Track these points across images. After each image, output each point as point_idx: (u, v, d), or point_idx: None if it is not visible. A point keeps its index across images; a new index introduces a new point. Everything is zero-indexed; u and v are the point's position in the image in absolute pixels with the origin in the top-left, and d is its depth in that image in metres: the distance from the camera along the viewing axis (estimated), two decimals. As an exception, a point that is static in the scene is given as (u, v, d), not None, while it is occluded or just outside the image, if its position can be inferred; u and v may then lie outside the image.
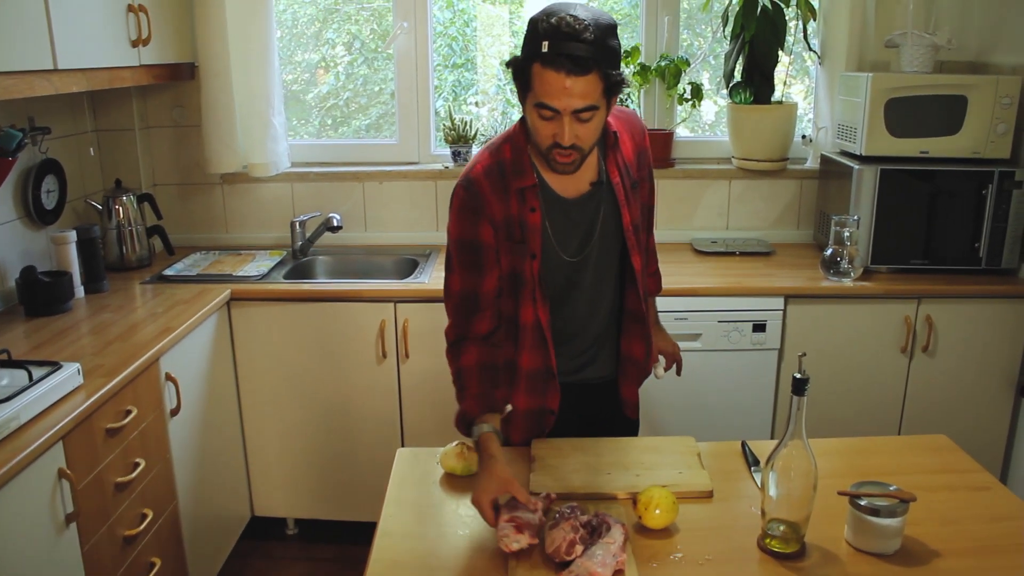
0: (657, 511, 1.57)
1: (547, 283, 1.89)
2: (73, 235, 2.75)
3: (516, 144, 1.85)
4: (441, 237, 3.36)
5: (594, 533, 1.51)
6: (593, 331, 2.02)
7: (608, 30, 1.67)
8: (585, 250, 1.91)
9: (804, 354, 1.50)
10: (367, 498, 2.99)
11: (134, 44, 2.74)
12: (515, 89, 1.76)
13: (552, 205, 1.86)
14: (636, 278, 1.96)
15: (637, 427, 2.22)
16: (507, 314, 1.93)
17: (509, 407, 1.89)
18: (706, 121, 3.66)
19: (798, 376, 1.43)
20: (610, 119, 1.89)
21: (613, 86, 1.68)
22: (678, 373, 2.29)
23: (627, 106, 3.26)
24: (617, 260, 1.97)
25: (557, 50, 1.61)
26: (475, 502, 1.60)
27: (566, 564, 1.45)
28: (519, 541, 1.48)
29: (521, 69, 1.71)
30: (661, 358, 2.24)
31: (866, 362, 2.88)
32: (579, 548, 1.47)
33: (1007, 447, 2.96)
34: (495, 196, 1.82)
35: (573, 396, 2.03)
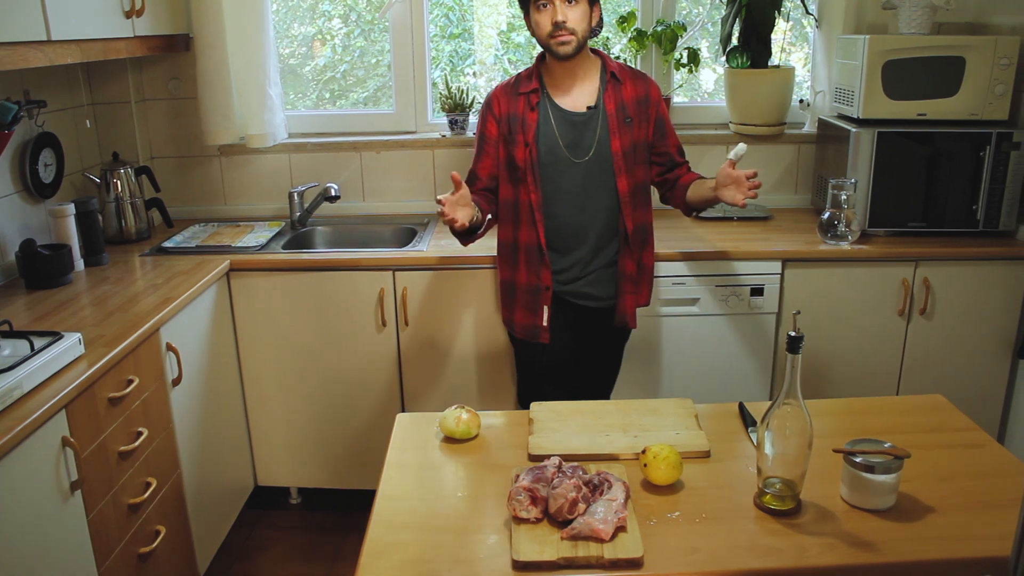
0: (663, 467, 1.59)
1: (547, 170, 2.42)
2: (72, 208, 2.75)
3: (531, 68, 2.51)
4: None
5: (596, 491, 1.53)
6: (590, 244, 2.48)
7: None
8: (587, 154, 2.42)
9: (798, 312, 1.51)
10: (369, 466, 3.02)
11: (127, 15, 2.72)
12: (521, 13, 2.44)
13: (557, 113, 2.43)
14: (628, 203, 2.44)
15: (627, 336, 2.73)
16: (507, 198, 2.49)
17: (489, 216, 2.50)
18: (705, 90, 3.64)
19: (793, 334, 1.44)
20: (618, 71, 2.46)
21: None
22: (749, 187, 2.27)
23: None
24: (612, 183, 2.45)
25: None
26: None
27: (568, 522, 1.47)
28: (528, 512, 1.50)
29: None
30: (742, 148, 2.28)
31: (864, 325, 2.89)
32: (581, 507, 1.49)
33: (1004, 409, 2.98)
34: (504, 98, 2.48)
35: (570, 315, 2.55)
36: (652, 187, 2.59)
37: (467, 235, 2.45)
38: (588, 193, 2.44)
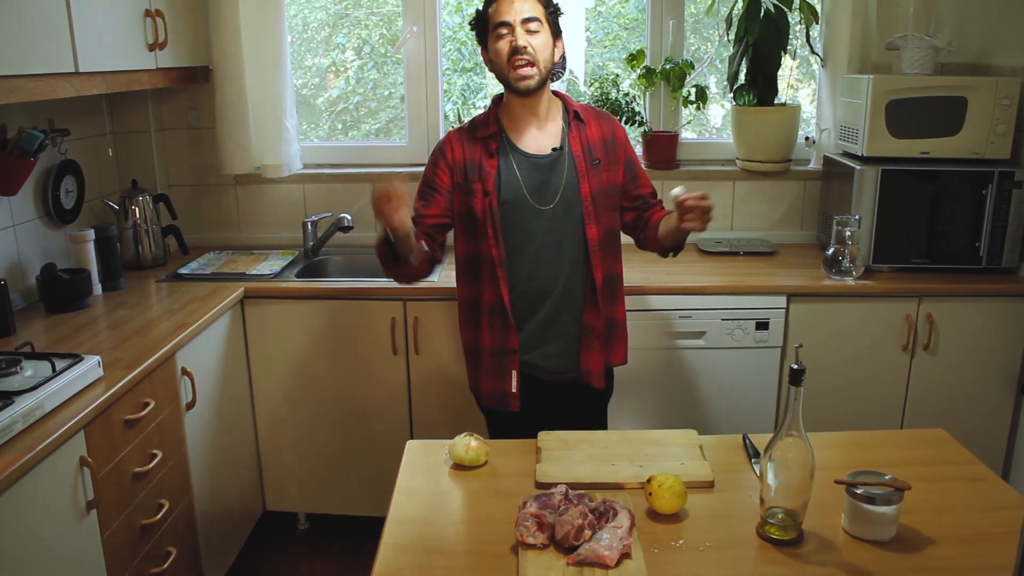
0: (667, 496, 1.62)
1: (508, 221, 2.25)
2: (91, 234, 2.82)
3: (488, 111, 2.33)
4: (449, 237, 3.40)
5: (601, 518, 1.56)
6: (553, 301, 2.29)
7: None
8: (552, 201, 2.25)
9: (800, 345, 1.54)
10: (377, 493, 3.04)
11: (151, 48, 2.80)
12: (480, 46, 2.29)
13: (519, 157, 2.27)
14: (596, 252, 2.27)
15: (608, 396, 2.52)
16: (465, 254, 2.34)
17: (424, 247, 2.26)
18: (713, 125, 3.70)
19: (795, 367, 1.47)
20: (581, 111, 2.32)
21: (552, 13, 2.23)
22: (700, 214, 2.10)
23: (634, 109, 3.32)
24: (580, 231, 2.28)
25: None
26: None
27: (575, 548, 1.50)
28: (535, 538, 1.53)
29: (481, 17, 2.24)
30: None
31: (868, 360, 2.91)
32: (587, 533, 1.51)
33: (1008, 444, 2.99)
34: (459, 143, 2.30)
35: (541, 380, 2.35)
36: (626, 232, 2.46)
37: (394, 260, 2.24)
38: (552, 244, 2.26)
